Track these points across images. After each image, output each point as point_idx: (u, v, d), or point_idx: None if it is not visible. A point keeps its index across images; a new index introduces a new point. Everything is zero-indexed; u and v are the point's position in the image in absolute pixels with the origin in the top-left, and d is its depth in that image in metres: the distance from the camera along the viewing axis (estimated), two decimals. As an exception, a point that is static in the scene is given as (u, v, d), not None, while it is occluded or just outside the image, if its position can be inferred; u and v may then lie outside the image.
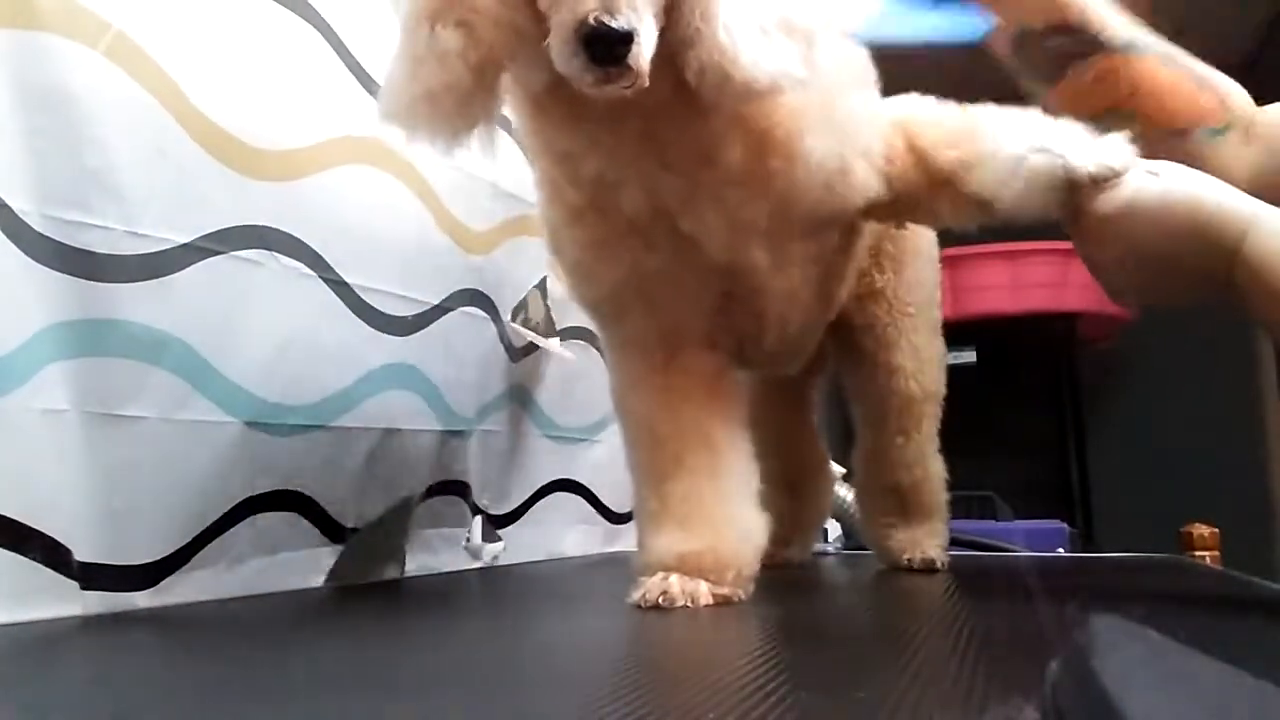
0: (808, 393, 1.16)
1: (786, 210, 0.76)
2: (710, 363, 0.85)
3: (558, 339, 1.35)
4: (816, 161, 0.74)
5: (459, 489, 1.20)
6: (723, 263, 0.78)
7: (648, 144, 0.72)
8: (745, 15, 0.66)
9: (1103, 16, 0.83)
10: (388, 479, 1.07)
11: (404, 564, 1.12)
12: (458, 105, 0.68)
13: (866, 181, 0.79)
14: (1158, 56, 0.83)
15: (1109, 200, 0.73)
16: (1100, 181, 0.73)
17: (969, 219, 0.82)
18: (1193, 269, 0.71)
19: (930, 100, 0.84)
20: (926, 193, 0.81)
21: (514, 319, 1.28)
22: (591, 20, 0.60)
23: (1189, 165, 0.81)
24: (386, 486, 1.07)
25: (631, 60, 0.62)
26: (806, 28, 0.69)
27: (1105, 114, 0.83)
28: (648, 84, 0.63)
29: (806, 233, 0.82)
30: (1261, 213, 0.69)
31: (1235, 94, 0.85)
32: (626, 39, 0.61)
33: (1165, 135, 0.83)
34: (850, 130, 0.77)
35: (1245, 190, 0.83)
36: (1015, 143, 0.76)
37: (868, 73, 0.81)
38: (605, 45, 0.61)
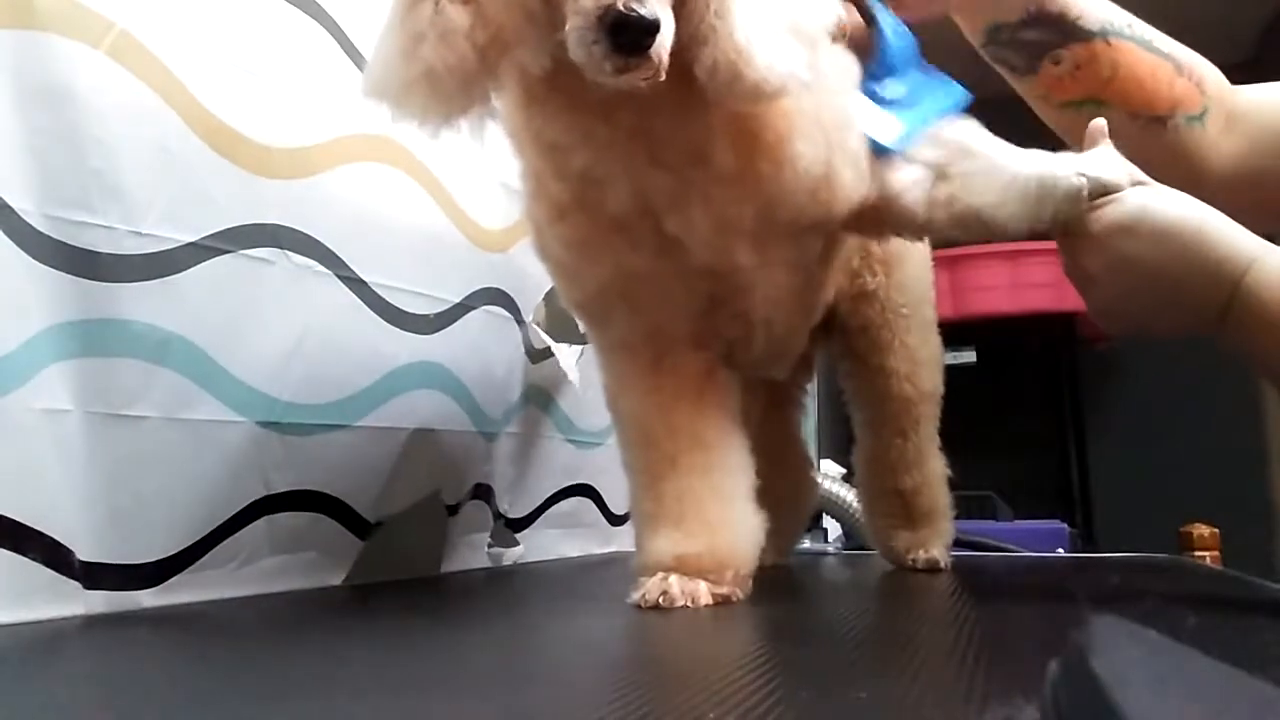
0: (792, 394, 1.16)
1: (772, 213, 0.76)
2: (701, 361, 0.84)
3: (579, 346, 1.35)
4: (804, 167, 0.74)
5: (484, 492, 1.20)
6: (706, 264, 0.77)
7: (640, 140, 0.71)
8: (760, 16, 0.66)
9: (1077, 2, 0.82)
10: (418, 481, 1.07)
11: (438, 563, 1.12)
12: (459, 87, 0.66)
13: (853, 189, 0.78)
14: (1134, 42, 0.82)
15: (1108, 214, 0.72)
16: (1096, 196, 0.73)
17: (959, 234, 0.81)
18: (1188, 295, 0.70)
19: None
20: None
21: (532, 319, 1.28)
22: (620, 6, 0.59)
23: (1170, 156, 0.80)
24: (418, 488, 1.07)
25: (654, 51, 0.61)
26: (812, 32, 0.68)
27: (1085, 102, 0.82)
28: (664, 76, 0.62)
29: (791, 237, 0.81)
30: (1266, 250, 0.68)
31: (1211, 76, 0.85)
32: (653, 28, 0.60)
33: (1144, 123, 0.82)
34: (839, 137, 0.76)
35: (1227, 178, 0.82)
36: (1007, 158, 0.76)
37: (857, 79, 0.80)
38: (631, 33, 0.59)
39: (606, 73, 0.62)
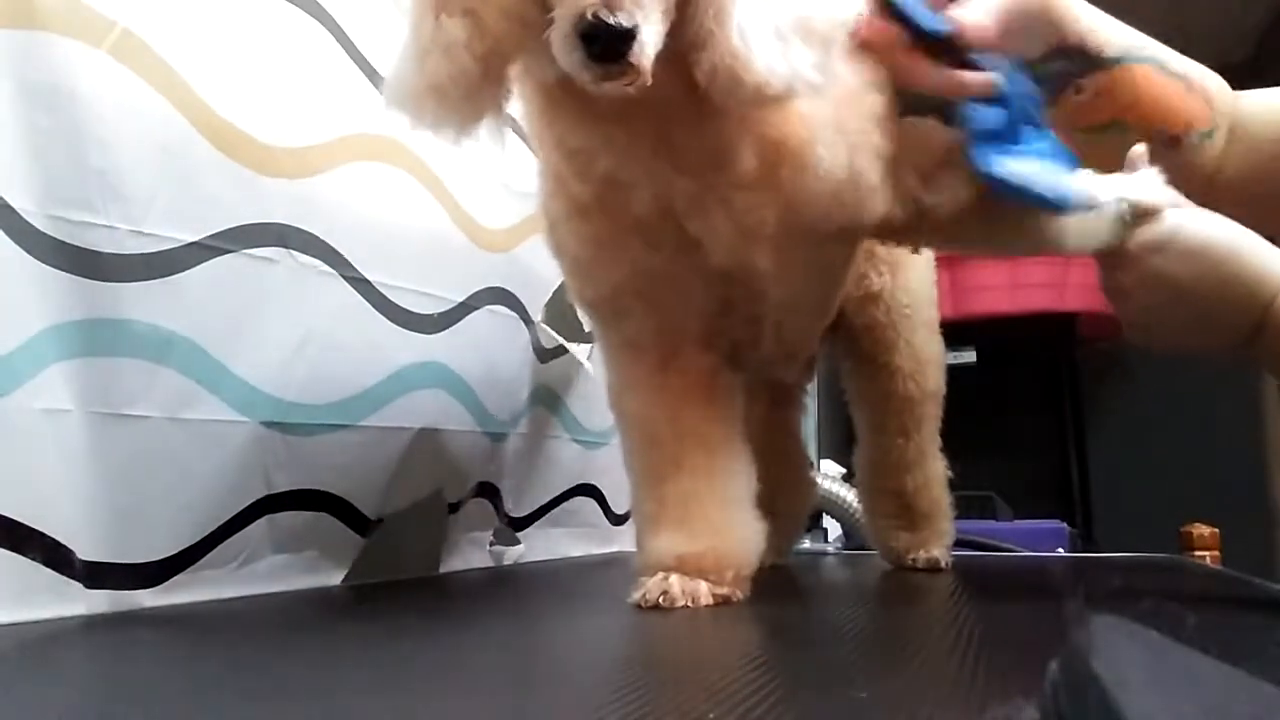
0: (792, 394, 1.16)
1: (794, 218, 0.76)
2: (707, 363, 0.85)
3: (585, 346, 1.35)
4: (826, 170, 0.73)
5: (489, 492, 1.20)
6: (725, 267, 0.77)
7: (661, 145, 0.71)
8: (761, 17, 0.65)
9: (1097, 31, 0.82)
10: (421, 480, 1.07)
11: (437, 562, 1.12)
12: (464, 97, 0.67)
13: (881, 192, 0.78)
14: (1151, 65, 0.82)
15: (1143, 232, 0.73)
16: (1138, 218, 0.73)
17: (1007, 251, 0.81)
18: (1220, 315, 0.71)
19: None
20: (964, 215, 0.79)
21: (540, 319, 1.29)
22: (589, 15, 0.59)
23: (1184, 174, 0.80)
24: (420, 487, 1.08)
25: (633, 58, 0.60)
26: (825, 32, 0.67)
27: (1108, 126, 0.83)
28: (650, 82, 0.62)
29: (814, 242, 0.81)
30: None
31: (1217, 89, 0.85)
32: (626, 36, 0.59)
33: (1161, 145, 0.82)
34: (863, 139, 0.76)
35: (1231, 185, 0.82)
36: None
37: (885, 80, 0.79)
38: (604, 42, 0.59)
39: (587, 80, 0.62)
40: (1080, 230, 0.76)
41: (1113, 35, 0.82)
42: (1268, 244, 0.71)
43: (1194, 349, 0.77)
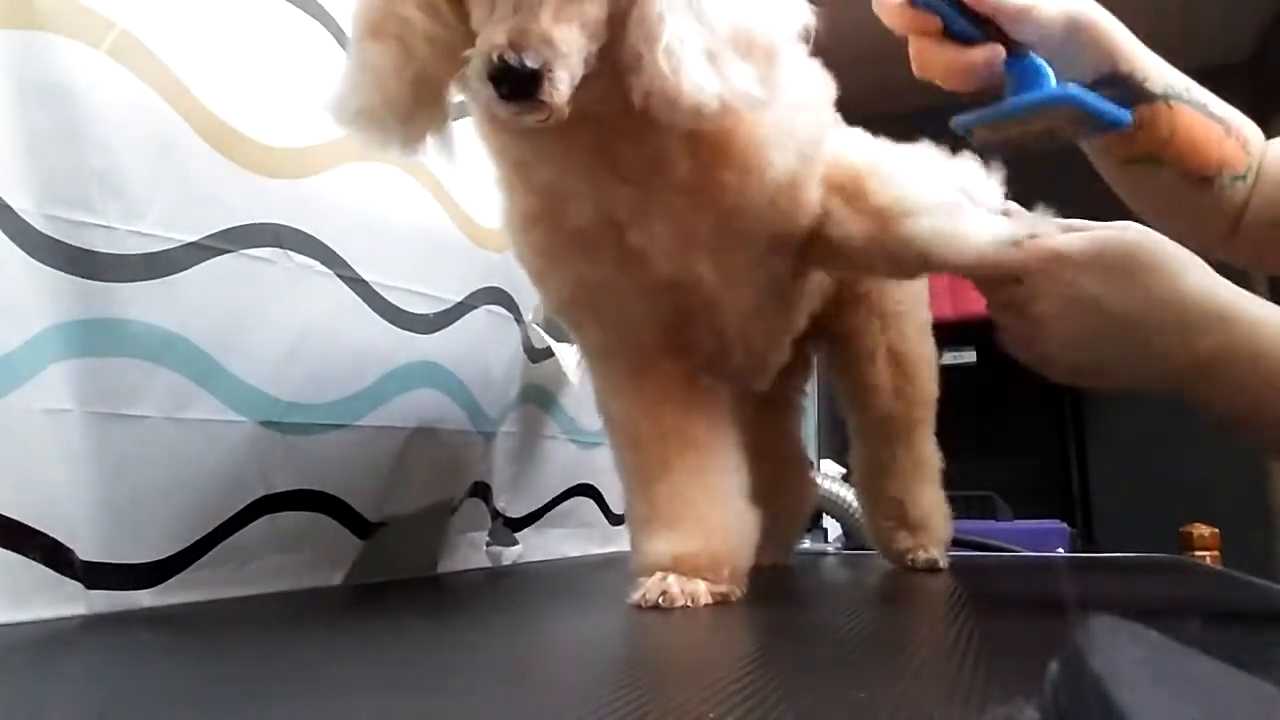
0: (790, 396, 1.16)
1: (731, 223, 0.75)
2: (681, 367, 0.84)
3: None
4: (771, 176, 0.72)
5: (482, 491, 1.20)
6: (668, 276, 0.76)
7: (601, 155, 0.71)
8: (691, 36, 0.63)
9: (1146, 63, 0.82)
10: (418, 479, 1.07)
11: (435, 564, 1.12)
12: (399, 121, 0.68)
13: (816, 202, 0.77)
14: (1191, 105, 0.82)
15: (1066, 244, 0.69)
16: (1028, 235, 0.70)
17: (899, 273, 0.79)
18: (1150, 343, 0.67)
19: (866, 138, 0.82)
20: (861, 240, 0.77)
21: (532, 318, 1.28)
22: (495, 58, 0.59)
23: (1207, 216, 0.80)
24: (417, 487, 1.07)
25: (544, 95, 0.60)
26: (768, 44, 0.66)
27: (1143, 158, 0.82)
28: (566, 115, 0.62)
29: (753, 248, 0.79)
30: (1241, 300, 0.66)
31: (1253, 135, 0.84)
32: (533, 77, 0.59)
33: (1193, 184, 0.82)
34: (808, 148, 0.75)
35: (1249, 229, 0.82)
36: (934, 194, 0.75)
37: (828, 90, 0.78)
38: (511, 83, 0.59)
39: (503, 118, 0.63)
40: (950, 243, 0.73)
41: (1158, 71, 0.82)
42: (1205, 265, 0.67)
43: (1119, 383, 0.72)
